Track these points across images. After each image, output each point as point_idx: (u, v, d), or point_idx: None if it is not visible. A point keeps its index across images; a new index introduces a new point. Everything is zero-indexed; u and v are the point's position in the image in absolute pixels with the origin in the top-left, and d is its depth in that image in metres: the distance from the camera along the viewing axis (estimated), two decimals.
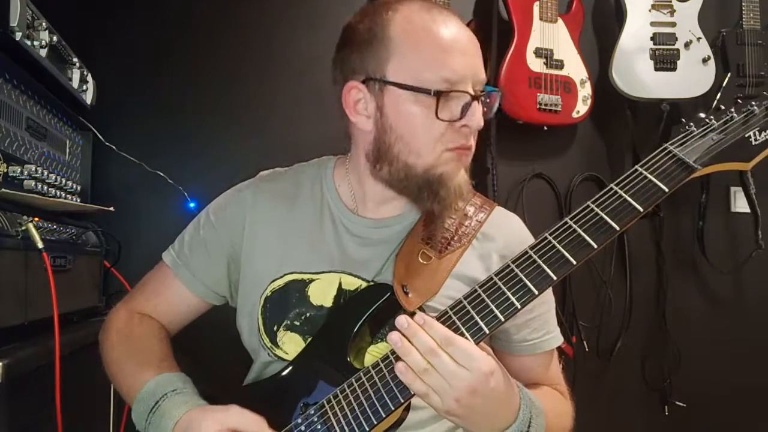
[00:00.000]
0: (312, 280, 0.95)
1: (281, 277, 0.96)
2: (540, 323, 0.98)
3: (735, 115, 0.81)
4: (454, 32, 0.88)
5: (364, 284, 0.94)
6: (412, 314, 0.90)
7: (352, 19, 0.95)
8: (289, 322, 0.94)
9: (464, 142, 0.89)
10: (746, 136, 0.80)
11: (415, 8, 0.90)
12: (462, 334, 0.78)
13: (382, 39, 0.89)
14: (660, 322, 2.12)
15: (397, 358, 0.78)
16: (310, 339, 0.93)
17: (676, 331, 2.10)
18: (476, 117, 0.88)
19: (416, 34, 0.88)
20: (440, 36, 0.87)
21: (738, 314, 2.17)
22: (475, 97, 0.88)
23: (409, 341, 0.76)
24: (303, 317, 0.94)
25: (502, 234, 0.99)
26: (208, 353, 1.45)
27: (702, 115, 0.82)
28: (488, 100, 0.92)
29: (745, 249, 2.10)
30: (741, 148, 0.80)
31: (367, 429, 0.80)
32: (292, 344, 0.94)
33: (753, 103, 0.80)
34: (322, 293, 0.94)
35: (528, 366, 0.99)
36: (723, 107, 0.82)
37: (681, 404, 2.08)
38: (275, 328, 0.95)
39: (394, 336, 0.76)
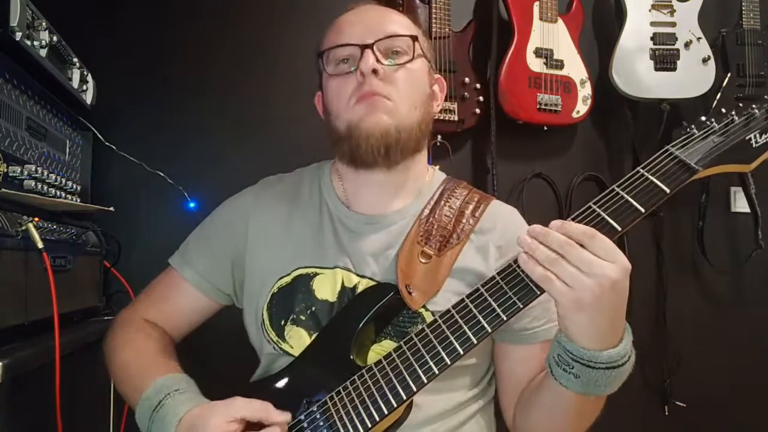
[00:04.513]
0: (317, 274, 0.97)
1: (289, 273, 0.98)
2: (540, 311, 0.97)
3: (736, 117, 0.82)
4: (350, 13, 1.02)
5: (363, 280, 0.95)
6: (415, 313, 0.91)
7: None
8: (295, 316, 0.96)
9: (367, 88, 0.94)
10: (747, 138, 0.81)
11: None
12: (464, 334, 0.78)
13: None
14: (660, 322, 2.11)
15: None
16: (314, 335, 0.94)
17: (676, 331, 2.10)
18: (364, 61, 0.93)
19: (329, 26, 1.03)
20: (338, 18, 1.02)
21: (738, 314, 2.17)
22: (364, 46, 0.94)
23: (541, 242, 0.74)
24: (309, 311, 0.95)
25: (498, 225, 1.01)
26: (212, 357, 1.45)
27: (703, 117, 0.83)
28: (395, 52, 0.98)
29: (745, 249, 2.10)
30: (742, 150, 0.81)
31: (369, 426, 0.81)
32: (297, 339, 0.95)
33: (753, 105, 0.81)
34: (326, 287, 0.96)
35: (530, 356, 0.97)
36: (724, 110, 0.83)
37: (681, 404, 2.08)
38: (282, 322, 0.96)
39: (524, 237, 0.75)
